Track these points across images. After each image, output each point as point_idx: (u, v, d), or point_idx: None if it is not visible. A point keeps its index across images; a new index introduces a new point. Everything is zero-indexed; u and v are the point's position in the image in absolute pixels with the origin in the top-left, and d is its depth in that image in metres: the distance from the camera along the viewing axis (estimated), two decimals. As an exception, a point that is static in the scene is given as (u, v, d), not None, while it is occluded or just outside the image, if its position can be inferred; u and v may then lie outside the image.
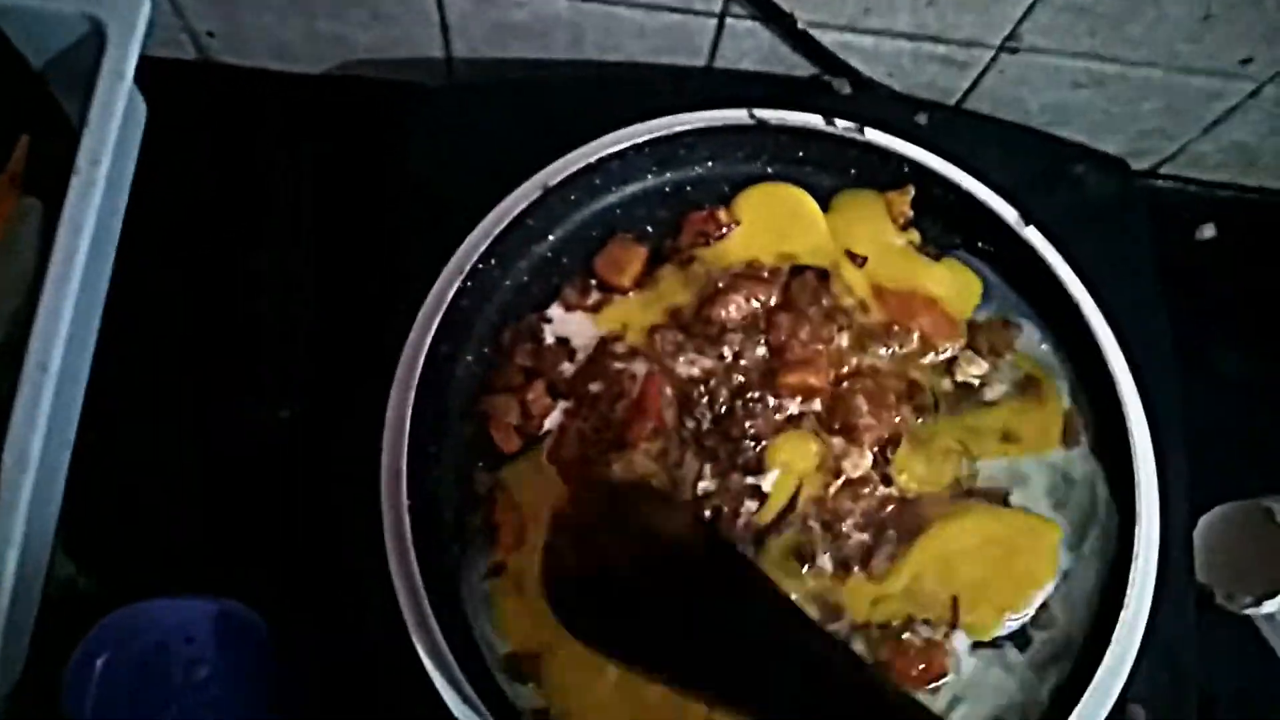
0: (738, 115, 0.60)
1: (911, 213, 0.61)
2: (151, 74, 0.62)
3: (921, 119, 0.63)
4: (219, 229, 0.67)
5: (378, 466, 0.52)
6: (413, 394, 0.53)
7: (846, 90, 0.64)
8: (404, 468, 0.52)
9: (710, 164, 0.62)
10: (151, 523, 0.60)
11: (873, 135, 0.60)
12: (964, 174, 0.60)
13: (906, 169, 0.61)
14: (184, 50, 0.70)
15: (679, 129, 0.59)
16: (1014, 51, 0.63)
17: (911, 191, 0.61)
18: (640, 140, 0.59)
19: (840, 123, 0.60)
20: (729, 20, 0.63)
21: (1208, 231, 0.75)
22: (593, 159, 0.58)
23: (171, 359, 0.64)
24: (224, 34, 0.68)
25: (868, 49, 0.64)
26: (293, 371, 0.64)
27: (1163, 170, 0.76)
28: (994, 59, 0.64)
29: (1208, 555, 0.63)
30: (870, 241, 0.61)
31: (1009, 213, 0.60)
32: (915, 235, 0.61)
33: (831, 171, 0.62)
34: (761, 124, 0.60)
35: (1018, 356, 0.60)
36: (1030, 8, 0.59)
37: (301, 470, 0.60)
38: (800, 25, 0.62)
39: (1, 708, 0.52)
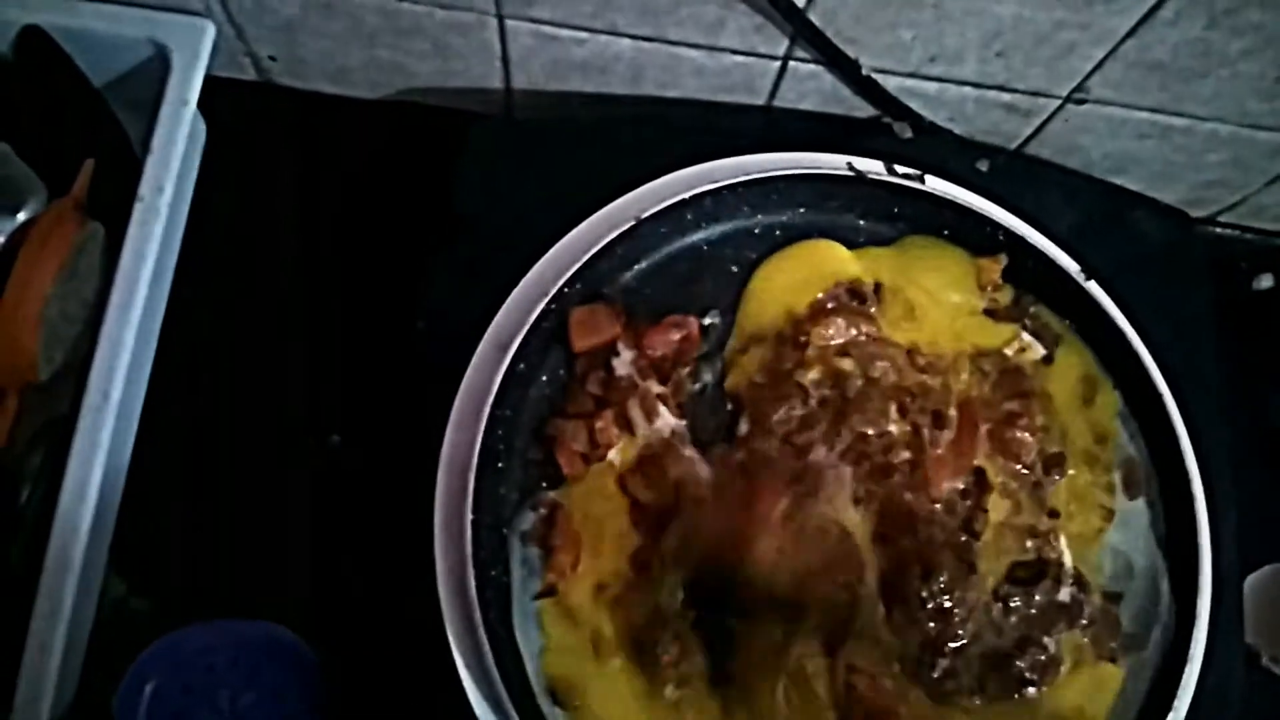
0: (836, 163, 0.59)
1: (1001, 280, 0.60)
2: (210, 92, 0.61)
3: (983, 165, 0.62)
4: (273, 248, 0.68)
5: (433, 483, 0.52)
6: (487, 409, 0.53)
7: (908, 134, 0.64)
8: (470, 483, 0.51)
9: (802, 210, 0.61)
10: (202, 544, 0.61)
11: (970, 198, 0.59)
12: (1040, 235, 0.59)
13: (1002, 236, 0.59)
14: (244, 71, 0.70)
15: (775, 172, 0.58)
16: (1080, 103, 0.62)
17: (1004, 260, 0.60)
18: (737, 180, 0.58)
19: (933, 181, 0.59)
20: (792, 63, 0.62)
21: (1265, 281, 0.74)
22: (687, 195, 0.57)
23: (224, 380, 0.64)
24: (285, 58, 0.68)
25: (930, 94, 0.63)
26: (344, 397, 0.64)
27: (1221, 218, 0.75)
28: (1059, 108, 0.63)
29: (1254, 615, 0.62)
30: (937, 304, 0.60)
31: (1072, 266, 0.59)
32: (1008, 292, 0.60)
33: (924, 229, 0.61)
34: (860, 175, 0.59)
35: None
36: (1101, 62, 0.58)
37: (351, 495, 0.61)
38: (865, 71, 0.61)
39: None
